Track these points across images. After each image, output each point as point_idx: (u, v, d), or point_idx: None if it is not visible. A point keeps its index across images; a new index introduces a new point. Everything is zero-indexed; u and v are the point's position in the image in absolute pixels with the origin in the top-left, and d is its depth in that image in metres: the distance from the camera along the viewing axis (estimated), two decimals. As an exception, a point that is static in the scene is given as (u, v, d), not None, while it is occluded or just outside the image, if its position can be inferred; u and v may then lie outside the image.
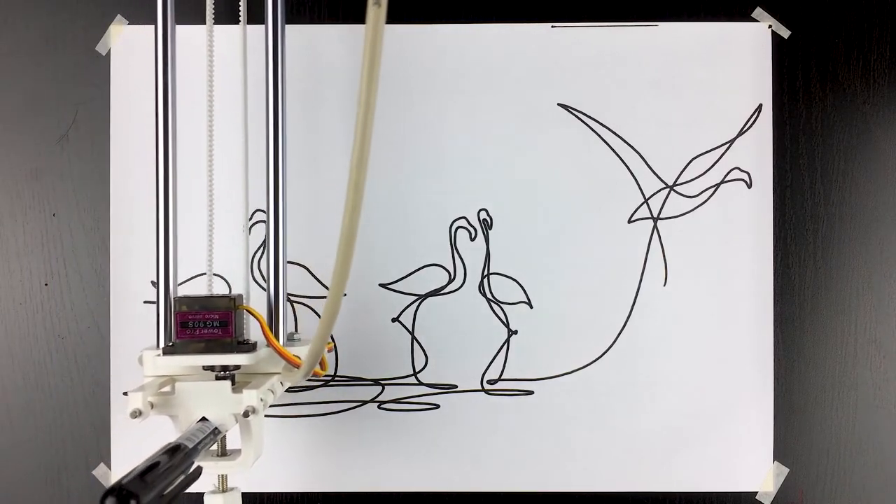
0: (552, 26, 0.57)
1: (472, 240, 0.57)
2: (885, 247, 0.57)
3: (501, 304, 0.57)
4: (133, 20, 0.57)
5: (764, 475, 0.57)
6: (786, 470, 0.57)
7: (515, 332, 0.57)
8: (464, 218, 0.57)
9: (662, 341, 0.57)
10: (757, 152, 0.57)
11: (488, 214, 0.57)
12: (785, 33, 0.57)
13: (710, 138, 0.57)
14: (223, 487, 0.47)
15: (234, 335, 0.45)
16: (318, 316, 0.57)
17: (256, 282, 0.57)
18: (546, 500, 0.57)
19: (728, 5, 0.57)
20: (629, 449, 0.57)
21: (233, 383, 0.45)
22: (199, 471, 0.42)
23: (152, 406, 0.44)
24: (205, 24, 0.51)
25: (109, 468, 0.57)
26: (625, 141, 0.57)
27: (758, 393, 0.56)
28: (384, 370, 0.57)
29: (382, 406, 0.57)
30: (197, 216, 0.57)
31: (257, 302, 0.56)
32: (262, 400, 0.44)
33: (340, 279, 0.31)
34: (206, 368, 0.46)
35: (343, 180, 0.57)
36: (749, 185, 0.57)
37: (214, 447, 0.47)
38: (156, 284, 0.49)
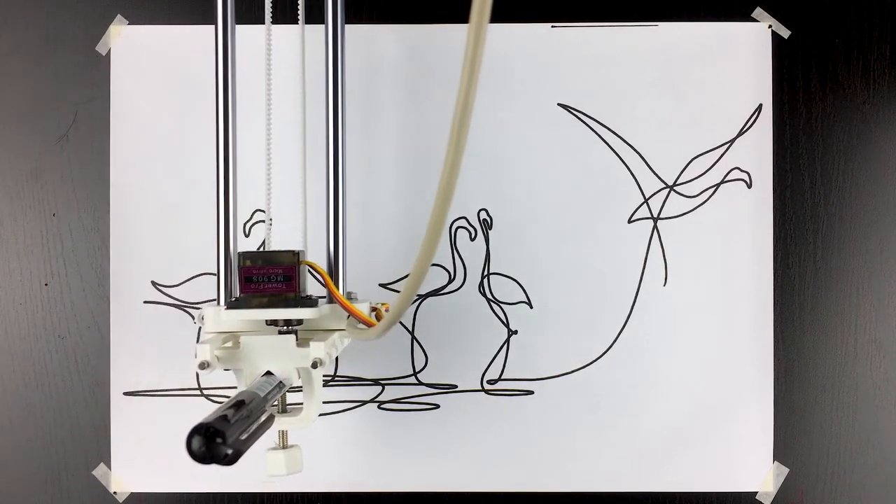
0: (552, 26, 0.57)
1: (472, 240, 0.57)
2: (885, 247, 0.57)
3: (501, 304, 0.57)
4: (133, 20, 0.57)
5: (764, 475, 0.57)
6: (786, 470, 0.57)
7: (515, 332, 0.57)
8: (464, 218, 0.57)
9: (662, 341, 0.57)
10: (757, 152, 0.57)
11: (488, 214, 0.57)
12: (785, 33, 0.57)
13: (710, 138, 0.57)
14: (283, 444, 0.47)
15: (298, 290, 0.45)
16: (318, 316, 0.57)
17: (256, 282, 0.57)
18: (546, 500, 0.57)
19: (728, 5, 0.57)
20: (629, 449, 0.57)
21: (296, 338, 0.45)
22: (271, 419, 0.42)
23: (218, 360, 0.44)
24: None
25: (109, 468, 0.57)
26: (625, 141, 0.57)
27: (758, 393, 0.56)
28: (384, 370, 0.57)
29: (382, 406, 0.57)
30: (196, 216, 0.57)
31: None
32: (328, 353, 0.44)
33: (435, 232, 0.29)
34: (269, 323, 0.46)
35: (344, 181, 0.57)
36: (749, 185, 0.57)
37: (275, 403, 0.47)
38: (216, 239, 0.48)
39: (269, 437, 0.45)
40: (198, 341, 0.45)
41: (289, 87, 0.56)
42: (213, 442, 0.32)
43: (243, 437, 0.36)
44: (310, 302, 0.45)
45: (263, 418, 0.40)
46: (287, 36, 0.56)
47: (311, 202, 0.53)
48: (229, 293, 0.48)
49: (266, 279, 0.44)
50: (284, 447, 0.47)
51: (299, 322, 0.46)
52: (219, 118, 0.49)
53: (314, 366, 0.43)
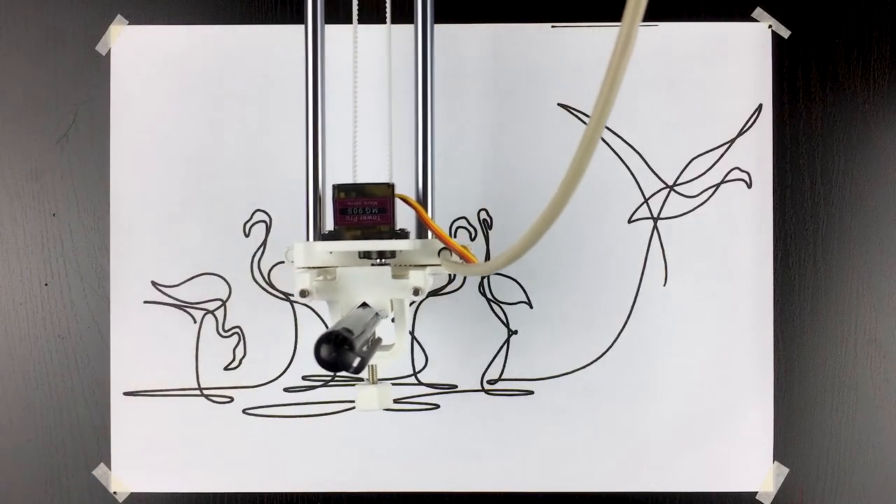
0: (552, 26, 0.57)
1: (472, 240, 0.57)
2: (885, 247, 0.57)
3: (501, 304, 0.57)
4: (133, 20, 0.57)
5: (764, 475, 0.57)
6: (786, 470, 0.57)
7: (515, 332, 0.57)
8: (464, 218, 0.57)
9: (662, 341, 0.57)
10: (757, 152, 0.57)
11: (488, 214, 0.57)
12: (785, 33, 0.57)
13: (710, 138, 0.57)
14: (374, 379, 0.47)
15: (393, 222, 0.45)
16: (319, 316, 0.57)
17: (256, 282, 0.57)
18: (546, 500, 0.57)
19: (728, 5, 0.57)
20: (629, 449, 0.57)
21: None
22: (380, 339, 0.43)
23: (315, 290, 0.45)
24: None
25: (109, 468, 0.57)
26: (625, 141, 0.57)
27: (758, 393, 0.56)
28: (384, 370, 0.57)
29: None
30: (197, 216, 0.57)
31: (260, 304, 0.57)
32: (425, 283, 0.45)
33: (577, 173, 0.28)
34: (361, 257, 0.46)
35: (343, 181, 0.57)
36: (749, 185, 0.57)
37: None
38: (307, 175, 0.49)
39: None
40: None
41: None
42: (342, 349, 0.33)
43: (364, 349, 0.36)
44: (404, 234, 0.45)
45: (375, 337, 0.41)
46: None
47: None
48: (317, 229, 0.48)
49: (361, 211, 0.44)
50: (374, 382, 0.47)
51: (392, 255, 0.46)
52: (308, 112, 0.50)
53: (416, 293, 0.44)
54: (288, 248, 0.48)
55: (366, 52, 0.52)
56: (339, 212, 0.44)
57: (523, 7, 0.57)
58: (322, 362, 0.33)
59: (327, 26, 0.51)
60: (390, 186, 0.45)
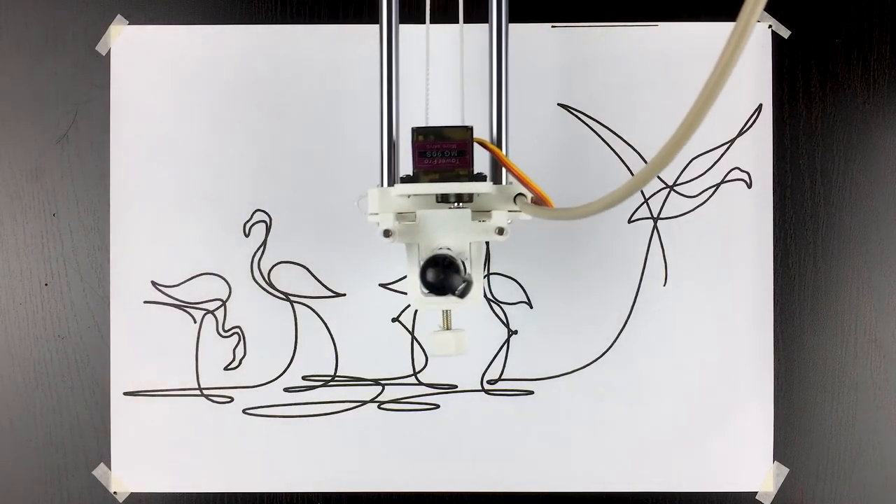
0: (552, 26, 0.57)
1: (472, 240, 0.57)
2: (885, 247, 0.57)
3: (501, 304, 0.57)
4: (133, 20, 0.57)
5: (764, 475, 0.57)
6: (786, 470, 0.57)
7: (515, 332, 0.57)
8: (464, 218, 0.57)
9: (662, 341, 0.57)
10: (757, 152, 0.57)
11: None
12: (785, 33, 0.57)
13: (710, 138, 0.57)
14: (448, 325, 0.47)
15: (471, 166, 0.44)
16: (319, 316, 0.57)
17: (256, 282, 0.57)
18: (546, 500, 0.57)
19: (728, 5, 0.57)
20: (629, 449, 0.57)
21: None
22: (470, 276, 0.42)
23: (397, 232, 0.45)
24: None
25: (109, 468, 0.57)
26: (625, 141, 0.57)
27: (758, 393, 0.56)
28: (384, 370, 0.57)
29: (382, 406, 0.57)
30: (197, 216, 0.57)
31: (260, 304, 0.57)
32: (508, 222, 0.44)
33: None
34: (438, 201, 0.45)
35: (343, 181, 0.57)
36: (749, 185, 0.57)
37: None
38: (381, 120, 0.48)
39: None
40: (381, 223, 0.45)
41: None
42: (449, 271, 0.33)
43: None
44: (482, 177, 0.45)
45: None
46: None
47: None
48: (392, 175, 0.48)
49: (440, 154, 0.44)
50: (449, 328, 0.47)
51: (469, 200, 0.45)
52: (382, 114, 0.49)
53: (500, 233, 0.44)
54: (359, 198, 0.48)
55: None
56: (418, 155, 0.44)
57: (523, 7, 0.57)
58: (430, 285, 0.33)
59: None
60: (469, 129, 0.44)
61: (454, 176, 0.44)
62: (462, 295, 0.33)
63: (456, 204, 0.45)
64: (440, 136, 0.44)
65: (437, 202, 0.46)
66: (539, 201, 0.45)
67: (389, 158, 0.49)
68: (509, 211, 0.46)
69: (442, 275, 0.33)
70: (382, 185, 0.48)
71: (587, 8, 0.57)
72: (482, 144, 0.46)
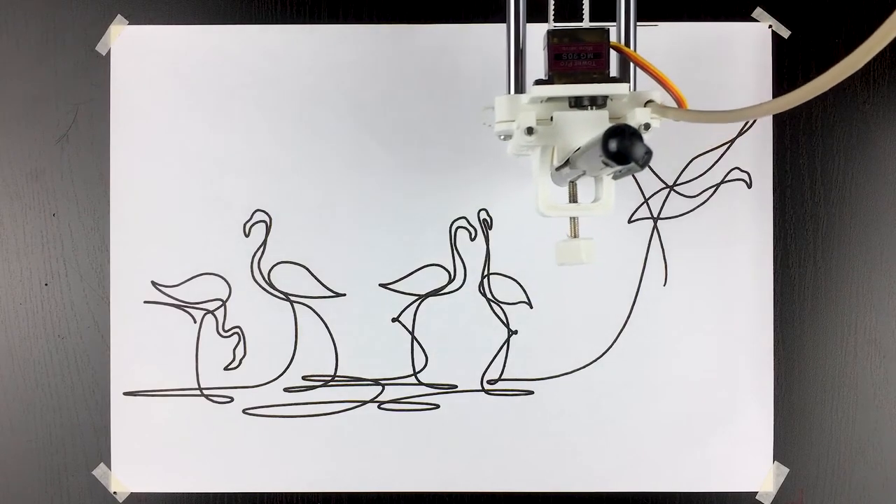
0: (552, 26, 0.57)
1: (472, 240, 0.57)
2: (885, 247, 0.57)
3: (501, 304, 0.57)
4: (133, 20, 0.57)
5: (764, 475, 0.57)
6: (786, 470, 0.57)
7: (515, 332, 0.57)
8: (464, 218, 0.57)
9: (662, 341, 0.57)
10: (757, 152, 0.57)
11: (488, 214, 0.57)
12: (785, 33, 0.57)
13: (710, 138, 0.57)
14: (575, 233, 0.46)
15: (607, 68, 0.44)
16: (319, 316, 0.57)
17: (256, 282, 0.57)
18: (546, 500, 0.57)
19: (728, 5, 0.57)
20: (629, 449, 0.57)
21: None
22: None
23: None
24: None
25: (109, 468, 0.57)
26: (625, 141, 0.57)
27: (758, 393, 0.56)
28: (384, 370, 0.57)
29: (382, 406, 0.57)
30: (196, 216, 0.57)
31: (260, 304, 0.57)
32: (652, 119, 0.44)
33: None
34: (571, 106, 0.44)
35: (344, 181, 0.57)
36: (749, 185, 0.57)
37: (565, 192, 0.46)
38: (508, 28, 0.47)
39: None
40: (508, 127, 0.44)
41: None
42: (633, 138, 0.32)
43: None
44: (617, 79, 0.44)
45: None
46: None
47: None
48: (519, 84, 0.47)
49: (576, 57, 0.43)
50: (576, 236, 0.46)
51: (603, 104, 0.44)
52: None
53: (646, 127, 0.43)
54: (484, 108, 0.47)
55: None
56: (554, 57, 0.43)
57: (523, 7, 0.57)
58: (612, 154, 0.32)
59: None
60: (605, 31, 0.43)
61: (590, 79, 0.43)
62: (643, 165, 0.33)
63: (590, 108, 0.44)
64: (575, 38, 0.43)
65: (570, 107, 0.44)
66: (673, 103, 0.44)
67: (517, 66, 0.47)
68: (651, 114, 0.44)
69: (628, 142, 0.32)
70: (510, 93, 0.47)
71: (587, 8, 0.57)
72: (616, 48, 0.45)
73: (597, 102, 0.44)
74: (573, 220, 0.47)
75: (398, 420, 0.57)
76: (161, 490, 0.57)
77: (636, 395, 0.57)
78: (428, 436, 0.57)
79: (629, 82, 0.46)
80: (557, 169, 0.44)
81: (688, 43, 0.57)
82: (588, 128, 0.44)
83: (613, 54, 0.45)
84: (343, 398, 0.57)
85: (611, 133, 0.32)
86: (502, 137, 0.48)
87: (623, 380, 0.57)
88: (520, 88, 0.47)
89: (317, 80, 0.57)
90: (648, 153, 0.34)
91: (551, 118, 0.44)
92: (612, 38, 0.45)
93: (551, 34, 0.43)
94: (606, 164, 0.33)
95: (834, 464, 0.57)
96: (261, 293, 0.57)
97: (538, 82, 0.44)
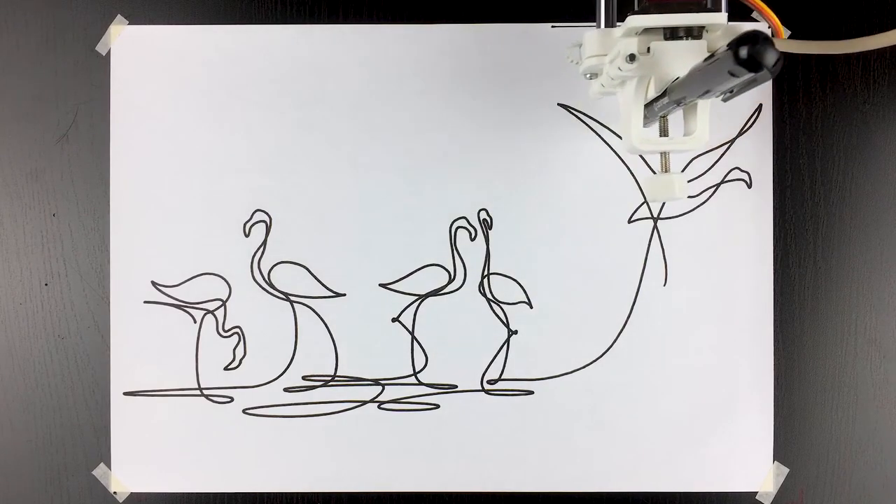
0: (552, 26, 0.57)
1: (473, 240, 0.57)
2: (885, 247, 0.57)
3: (501, 304, 0.57)
4: (133, 20, 0.57)
5: (764, 475, 0.57)
6: (786, 470, 0.57)
7: (515, 332, 0.57)
8: (464, 218, 0.57)
9: (662, 341, 0.57)
10: (757, 152, 0.57)
11: (488, 214, 0.57)
12: (785, 33, 0.57)
13: (710, 138, 0.57)
14: (665, 168, 0.46)
15: None
16: (319, 316, 0.57)
17: (256, 282, 0.57)
18: (546, 500, 0.57)
19: (728, 5, 0.57)
20: (629, 449, 0.57)
21: None
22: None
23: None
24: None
25: (109, 468, 0.57)
26: (625, 141, 0.57)
27: (758, 393, 0.56)
28: (384, 370, 0.57)
29: (382, 406, 0.57)
30: (196, 216, 0.57)
31: (260, 304, 0.57)
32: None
33: None
34: (667, 38, 0.44)
35: (344, 181, 0.57)
36: (749, 185, 0.57)
37: (656, 127, 0.46)
38: None
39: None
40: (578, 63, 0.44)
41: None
42: (767, 43, 0.32)
43: None
44: (715, 8, 0.43)
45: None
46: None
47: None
48: (610, 18, 0.46)
49: None
50: (667, 171, 0.46)
51: (699, 36, 0.44)
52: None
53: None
54: (569, 46, 0.46)
55: None
56: None
57: (523, 7, 0.57)
58: (743, 61, 0.31)
59: None
60: None
61: (686, 8, 0.42)
62: (775, 72, 0.32)
63: (685, 39, 0.43)
64: None
65: (666, 39, 0.44)
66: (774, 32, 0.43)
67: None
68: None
69: (760, 46, 0.31)
70: (601, 27, 0.46)
71: (587, 8, 0.57)
72: None
73: (692, 33, 0.43)
74: (664, 156, 0.46)
75: (398, 420, 0.57)
76: (161, 490, 0.57)
77: (636, 395, 0.57)
78: (428, 436, 0.57)
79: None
80: (651, 102, 0.44)
81: (688, 43, 0.57)
82: (688, 57, 0.43)
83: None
84: (343, 398, 0.57)
85: (742, 39, 0.31)
86: (588, 76, 0.48)
87: (623, 380, 0.57)
88: (610, 20, 0.46)
89: (317, 80, 0.57)
90: (780, 60, 0.33)
91: (648, 49, 0.43)
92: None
93: None
94: (733, 75, 0.32)
95: (834, 464, 0.57)
96: (261, 293, 0.57)
97: (638, 11, 0.43)
